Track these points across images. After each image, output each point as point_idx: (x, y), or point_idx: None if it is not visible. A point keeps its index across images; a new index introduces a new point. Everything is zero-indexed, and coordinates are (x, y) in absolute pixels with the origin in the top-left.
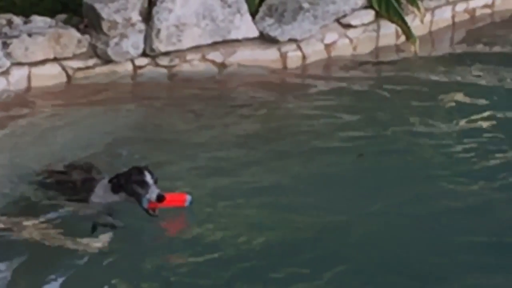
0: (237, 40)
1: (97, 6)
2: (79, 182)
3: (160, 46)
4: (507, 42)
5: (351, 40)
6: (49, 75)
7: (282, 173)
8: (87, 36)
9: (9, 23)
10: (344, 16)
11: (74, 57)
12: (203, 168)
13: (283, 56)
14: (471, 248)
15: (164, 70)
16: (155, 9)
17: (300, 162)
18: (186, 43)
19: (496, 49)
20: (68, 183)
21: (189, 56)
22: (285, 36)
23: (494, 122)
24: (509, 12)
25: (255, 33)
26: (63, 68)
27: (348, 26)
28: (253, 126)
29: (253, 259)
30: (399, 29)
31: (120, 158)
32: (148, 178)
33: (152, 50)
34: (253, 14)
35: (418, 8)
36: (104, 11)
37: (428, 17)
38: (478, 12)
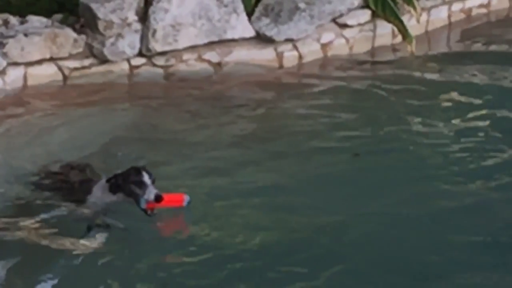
0: (233, 40)
1: (93, 6)
2: (77, 183)
3: (156, 46)
4: (503, 42)
5: (347, 40)
6: (45, 75)
7: (278, 173)
8: (83, 36)
9: (5, 23)
10: (341, 16)
11: (70, 57)
12: (199, 168)
13: (280, 56)
14: (468, 247)
15: (160, 70)
16: (151, 9)
17: (296, 162)
18: (182, 43)
19: (492, 48)
20: (65, 184)
21: (185, 56)
22: (281, 36)
23: (490, 121)
24: (505, 12)
25: (251, 33)
26: (59, 68)
27: (345, 26)
28: (250, 126)
29: (250, 259)
30: (396, 29)
31: (116, 158)
32: (146, 178)
33: (148, 50)
34: (249, 14)
35: (414, 8)
36: (100, 11)
37: (424, 16)
38: (474, 12)
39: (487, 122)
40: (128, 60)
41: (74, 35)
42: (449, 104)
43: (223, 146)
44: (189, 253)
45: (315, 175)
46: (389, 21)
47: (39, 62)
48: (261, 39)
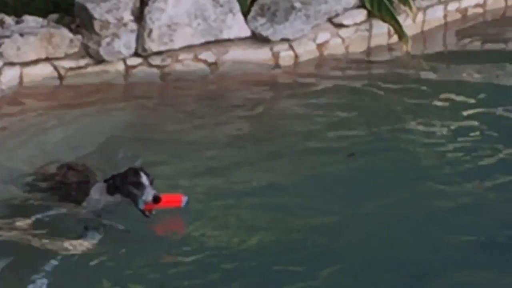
0: (229, 40)
1: (89, 6)
2: (74, 184)
3: (152, 45)
4: (499, 41)
5: (343, 40)
6: (41, 75)
7: (274, 173)
8: (79, 36)
9: (1, 23)
10: (336, 15)
11: (66, 57)
12: (195, 168)
13: (275, 56)
14: (464, 247)
15: (156, 70)
16: (147, 9)
17: (292, 161)
18: (178, 42)
19: (488, 47)
20: (62, 185)
21: (181, 56)
22: (277, 36)
23: (487, 120)
24: (501, 11)
25: (247, 33)
26: (55, 68)
27: (340, 25)
28: (246, 126)
29: (246, 259)
30: (391, 29)
31: (112, 158)
32: (144, 179)
33: (144, 50)
34: (245, 13)
35: (410, 8)
36: (96, 11)
37: (420, 16)
38: (470, 12)
39: (483, 121)
40: (124, 60)
41: (70, 35)
42: (445, 103)
43: (219, 146)
44: (185, 253)
45: (311, 175)
46: (385, 21)
47: (35, 62)
48: (257, 39)
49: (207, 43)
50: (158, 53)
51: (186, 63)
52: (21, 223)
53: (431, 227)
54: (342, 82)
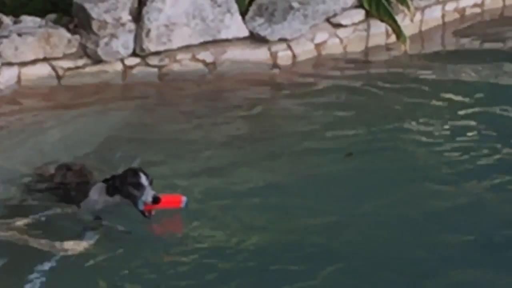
0: (227, 40)
1: (87, 6)
2: (73, 185)
3: (150, 46)
4: (497, 40)
5: (341, 40)
6: (39, 75)
7: (272, 173)
8: (77, 36)
9: None
10: (334, 15)
11: (64, 57)
12: (193, 168)
13: (273, 56)
14: (461, 246)
15: (154, 70)
16: (145, 9)
17: (291, 162)
18: (176, 42)
19: (486, 47)
20: (61, 185)
21: (179, 56)
22: (275, 36)
23: (485, 120)
24: (499, 11)
25: (245, 33)
26: (53, 68)
27: (338, 25)
28: (244, 126)
29: (244, 259)
30: (390, 29)
31: (110, 158)
32: (144, 180)
33: (142, 50)
34: (243, 13)
35: (408, 7)
36: (94, 11)
37: (418, 16)
38: (468, 11)
39: (482, 121)
40: (122, 60)
41: (68, 35)
42: (443, 103)
43: (217, 146)
44: (183, 253)
45: (309, 175)
46: (383, 21)
47: (33, 62)
48: (255, 39)
49: (205, 43)
50: (156, 53)
51: (184, 63)
52: (19, 223)
53: (429, 227)
54: (340, 82)
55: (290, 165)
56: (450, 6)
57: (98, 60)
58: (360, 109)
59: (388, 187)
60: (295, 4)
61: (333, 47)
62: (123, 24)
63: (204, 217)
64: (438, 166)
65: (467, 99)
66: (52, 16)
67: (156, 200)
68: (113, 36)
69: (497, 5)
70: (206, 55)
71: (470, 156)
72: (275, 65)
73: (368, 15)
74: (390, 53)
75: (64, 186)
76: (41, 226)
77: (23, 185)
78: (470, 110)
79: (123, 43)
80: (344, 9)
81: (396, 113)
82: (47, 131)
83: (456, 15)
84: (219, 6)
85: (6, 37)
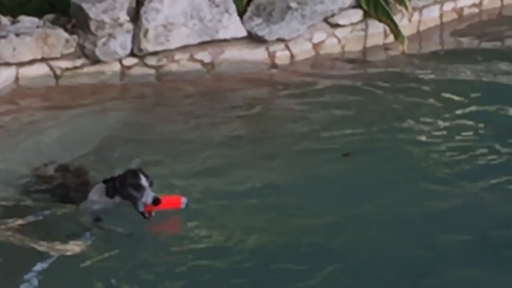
0: (225, 40)
1: (85, 6)
2: (73, 186)
3: (148, 46)
4: (495, 39)
5: (339, 40)
6: (37, 75)
7: (271, 173)
8: (75, 36)
9: None
10: (332, 15)
11: (62, 57)
12: (191, 168)
13: (271, 56)
14: (459, 246)
15: (152, 70)
16: (143, 9)
17: (289, 162)
18: (174, 43)
19: (484, 46)
20: (61, 186)
21: (177, 56)
22: (273, 36)
23: (483, 119)
24: (497, 11)
25: (243, 33)
26: (51, 68)
27: (336, 25)
28: (242, 126)
29: (243, 259)
30: (388, 29)
31: (108, 158)
32: (144, 181)
33: (140, 50)
34: (241, 13)
35: (406, 7)
36: (92, 11)
37: (416, 16)
38: (466, 11)
39: (480, 120)
40: (120, 60)
41: (66, 35)
42: (441, 102)
43: (215, 146)
44: (181, 253)
45: (307, 175)
46: (381, 21)
47: (31, 62)
48: (253, 39)
49: (203, 43)
50: (154, 53)
51: (182, 63)
52: (16, 223)
53: (427, 226)
54: (338, 82)
55: (288, 165)
56: (448, 6)
57: (96, 60)
58: (358, 109)
59: (386, 186)
60: (293, 4)
61: (331, 47)
62: (121, 24)
63: (202, 217)
64: (436, 166)
65: (465, 99)
66: (50, 16)
67: (156, 201)
68: (111, 36)
69: (495, 5)
70: (204, 55)
71: (468, 156)
72: (272, 65)
73: (366, 15)
74: (388, 53)
75: (63, 187)
76: (40, 227)
77: (21, 186)
78: (468, 110)
79: (121, 43)
80: (342, 9)
81: (394, 113)
82: (45, 131)
83: (454, 15)
84: (217, 6)
85: (4, 37)
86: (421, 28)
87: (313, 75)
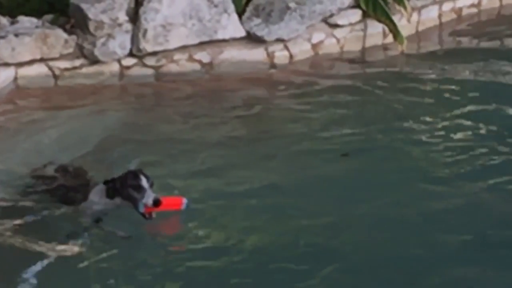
0: (224, 40)
1: (84, 6)
2: (73, 187)
3: (147, 46)
4: (494, 39)
5: (338, 40)
6: (36, 76)
7: (270, 173)
8: (74, 37)
9: None
10: (331, 15)
11: (61, 57)
12: (190, 168)
13: (270, 56)
14: (457, 245)
15: (151, 70)
16: (141, 9)
17: (288, 162)
18: (173, 43)
19: (484, 46)
20: (60, 187)
21: (176, 56)
22: (272, 36)
23: (482, 119)
24: (496, 11)
25: (242, 33)
26: (50, 69)
27: (335, 25)
28: (241, 126)
29: (242, 259)
30: (386, 29)
31: (107, 159)
32: (144, 182)
33: (139, 50)
34: (240, 14)
35: (405, 8)
36: (91, 11)
37: (415, 16)
38: (464, 11)
39: (479, 120)
40: (119, 60)
41: (65, 35)
42: (440, 102)
43: (214, 147)
44: (179, 253)
45: (306, 175)
46: (380, 21)
47: (30, 62)
48: (252, 39)
49: (202, 43)
50: (153, 53)
51: (181, 64)
52: (15, 224)
53: (426, 226)
54: (337, 82)
55: (287, 165)
56: (447, 6)
57: (95, 61)
58: (357, 108)
59: (385, 186)
60: (292, 5)
61: (330, 47)
62: (120, 25)
63: (201, 218)
64: (435, 166)
65: (464, 99)
66: (49, 16)
67: (157, 202)
68: (110, 36)
69: (494, 4)
70: (203, 56)
71: (467, 156)
72: (271, 65)
73: (365, 15)
74: (387, 53)
75: (63, 187)
76: (39, 227)
77: (20, 186)
78: (467, 109)
79: (120, 43)
80: (340, 9)
81: (393, 113)
82: (44, 131)
83: (453, 15)
84: (216, 6)
85: (3, 37)
86: (420, 28)
87: (312, 75)
